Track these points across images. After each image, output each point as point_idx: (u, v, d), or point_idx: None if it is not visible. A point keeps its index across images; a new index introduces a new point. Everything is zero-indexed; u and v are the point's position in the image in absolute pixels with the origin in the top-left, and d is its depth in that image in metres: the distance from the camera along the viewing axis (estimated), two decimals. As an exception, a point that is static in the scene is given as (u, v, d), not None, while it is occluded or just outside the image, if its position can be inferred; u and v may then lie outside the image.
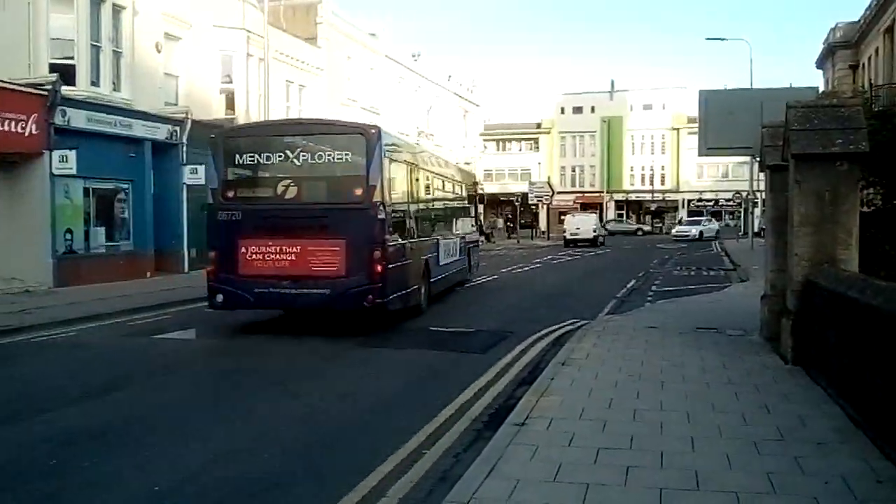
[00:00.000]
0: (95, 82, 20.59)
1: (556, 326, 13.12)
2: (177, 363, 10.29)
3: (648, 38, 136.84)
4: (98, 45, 20.54)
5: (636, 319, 13.53)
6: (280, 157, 12.77)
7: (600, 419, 6.67)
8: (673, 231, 58.31)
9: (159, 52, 23.31)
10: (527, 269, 28.16)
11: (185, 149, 23.56)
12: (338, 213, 12.19)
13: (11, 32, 18.50)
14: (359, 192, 12.24)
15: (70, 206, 20.12)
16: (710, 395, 7.58)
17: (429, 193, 16.76)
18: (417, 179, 15.52)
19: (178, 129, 23.22)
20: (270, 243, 12.22)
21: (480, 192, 26.97)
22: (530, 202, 60.51)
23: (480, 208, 27.36)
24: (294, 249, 12.18)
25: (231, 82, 27.12)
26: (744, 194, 45.61)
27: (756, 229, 40.03)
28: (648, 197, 77.37)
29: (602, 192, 76.35)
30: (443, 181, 18.71)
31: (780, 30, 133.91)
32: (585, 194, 78.22)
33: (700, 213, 74.65)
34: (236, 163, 13.03)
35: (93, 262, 20.58)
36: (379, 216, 12.17)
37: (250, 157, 12.91)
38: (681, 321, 12.85)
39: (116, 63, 21.41)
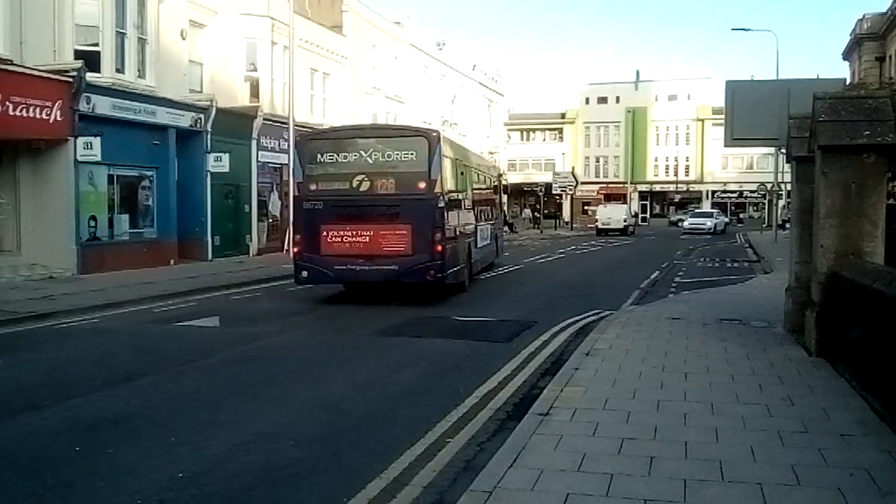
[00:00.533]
0: (120, 69, 20.72)
1: (580, 317, 13.12)
2: (201, 350, 10.39)
3: (674, 28, 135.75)
4: (123, 31, 20.66)
5: (660, 310, 13.49)
6: (355, 156, 14.98)
7: (624, 410, 6.68)
8: (685, 223, 51.79)
9: (184, 39, 23.46)
10: (550, 259, 28.11)
11: (209, 136, 23.74)
12: (405, 203, 14.51)
13: (37, 19, 18.67)
14: (422, 185, 14.56)
15: (94, 193, 20.33)
16: (733, 386, 7.56)
17: (471, 185, 18.97)
18: (462, 174, 17.80)
19: (202, 116, 23.37)
20: (348, 228, 14.60)
21: (504, 183, 29.14)
22: (554, 192, 60.44)
23: (504, 198, 30.42)
24: (367, 233, 14.52)
25: (256, 70, 27.24)
26: (768, 186, 45.23)
27: (780, 221, 39.69)
28: (672, 188, 76.85)
29: (626, 182, 75.82)
30: (478, 174, 20.86)
31: (806, 21, 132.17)
32: (609, 185, 77.79)
33: (713, 205, 74.01)
34: (318, 161, 15.18)
35: (116, 249, 20.80)
36: (439, 205, 14.60)
37: (329, 156, 15.12)
38: (704, 312, 12.80)
39: (141, 50, 21.54)
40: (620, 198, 73.35)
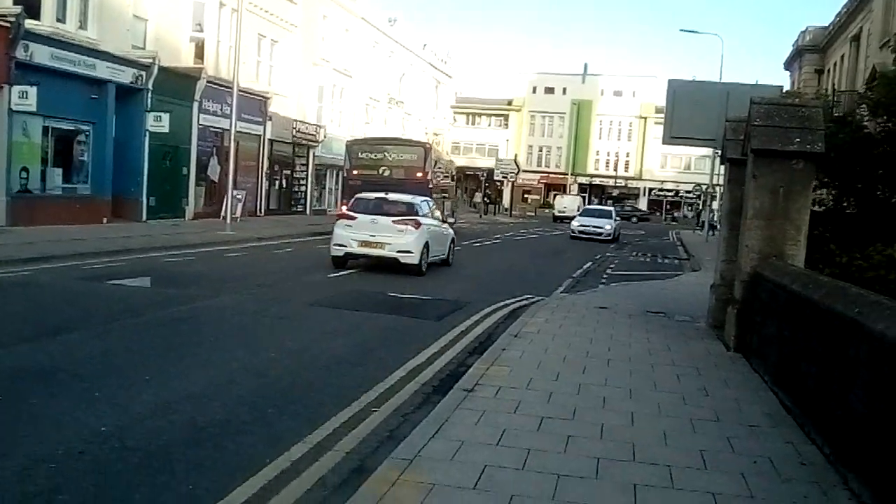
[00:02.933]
0: (61, 18, 20.10)
1: (512, 300, 13.35)
2: (130, 310, 10.23)
3: (624, 24, 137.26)
4: (67, -21, 19.95)
5: (589, 299, 13.82)
6: (381, 155, 26.13)
7: (546, 390, 6.88)
8: (573, 224, 35.87)
9: (130, -7, 22.80)
10: (487, 244, 28.36)
11: (150, 95, 23.18)
12: (409, 182, 23.74)
13: (-25, -39, 17.98)
14: (419, 174, 25.58)
15: (27, 143, 19.71)
16: (653, 375, 7.85)
17: (441, 176, 30.63)
18: (438, 167, 29.46)
19: (143, 73, 22.80)
20: None
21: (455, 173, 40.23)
22: (496, 178, 60.86)
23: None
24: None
25: (202, 31, 26.70)
26: (703, 187, 46.36)
27: (712, 221, 40.72)
28: (612, 182, 78.09)
29: (567, 174, 76.80)
30: (446, 167, 32.98)
31: (753, 28, 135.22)
32: (550, 175, 78.65)
33: (650, 203, 75.03)
34: (358, 157, 26.25)
35: (48, 203, 20.27)
36: (429, 186, 25.41)
37: (365, 154, 26.29)
38: (632, 304, 13.16)
39: (84, 0, 20.88)
40: (561, 189, 74.29)
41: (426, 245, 16.52)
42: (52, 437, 5.30)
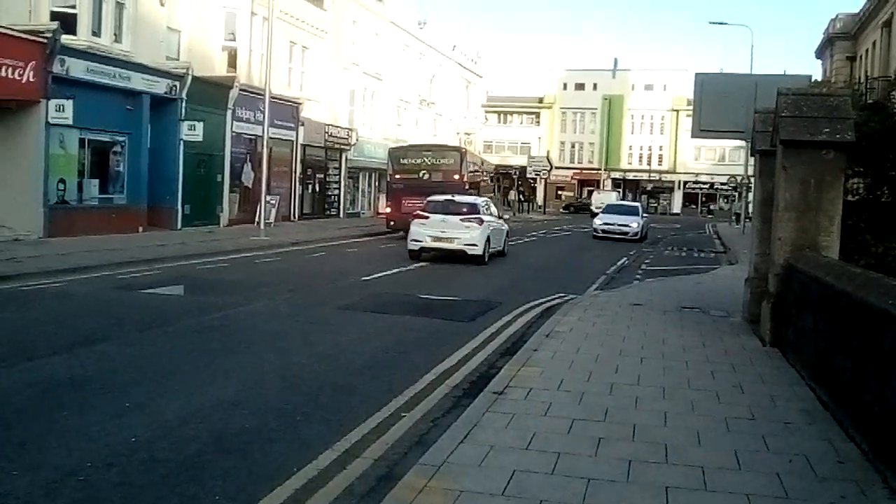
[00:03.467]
0: (96, 32, 20.48)
1: (544, 299, 13.27)
2: (164, 318, 10.36)
3: (653, 18, 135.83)
4: (102, -6, 20.32)
5: (623, 296, 13.68)
6: (421, 160, 27.41)
7: (578, 391, 6.82)
8: (596, 223, 32.58)
9: (163, 5, 23.20)
10: (522, 241, 28.25)
11: (184, 104, 23.50)
12: (447, 184, 25.15)
13: (12, -22, 18.37)
14: (456, 176, 26.92)
15: (64, 156, 20.08)
16: (687, 372, 7.73)
17: (481, 177, 35.03)
18: (476, 170, 32.50)
19: (177, 84, 23.14)
20: (416, 198, 23.36)
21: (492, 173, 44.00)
22: (528, 176, 60.66)
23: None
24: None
25: (234, 40, 27.01)
26: (738, 179, 45.69)
27: (749, 214, 40.15)
28: (646, 177, 77.31)
29: (600, 169, 76.18)
30: (485, 170, 35.34)
31: (783, 17, 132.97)
32: (583, 171, 78.09)
33: (685, 197, 74.07)
34: (400, 162, 27.63)
35: (84, 213, 20.63)
36: (465, 186, 27.09)
37: (407, 159, 27.78)
38: (666, 300, 13.01)
39: (119, 14, 21.28)
40: (595, 184, 73.76)
41: (488, 239, 19.44)
42: (81, 449, 5.35)
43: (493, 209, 22.15)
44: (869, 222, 9.61)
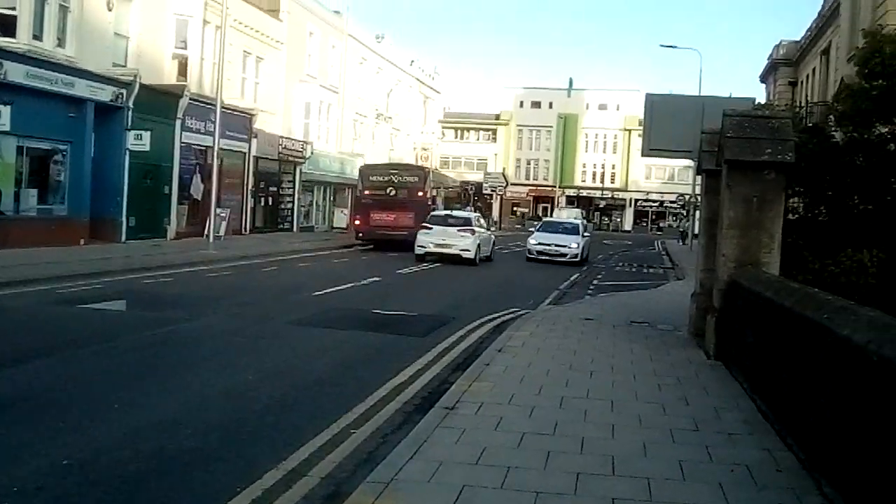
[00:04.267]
0: (38, 36, 19.78)
1: (497, 314, 13.33)
2: (104, 334, 10.05)
3: (607, 40, 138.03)
4: (44, -3, 19.80)
5: (574, 311, 13.84)
6: (388, 178, 29.49)
7: (528, 405, 6.85)
8: (530, 242, 28.27)
9: (110, 10, 22.59)
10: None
11: (130, 113, 22.92)
12: (412, 201, 28.14)
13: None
14: (420, 193, 28.97)
15: (0, 164, 19.39)
16: (634, 385, 7.85)
17: (443, 192, 34.86)
18: (439, 187, 33.71)
19: (124, 91, 22.55)
20: (383, 213, 28.32)
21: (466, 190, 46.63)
22: (484, 192, 61.11)
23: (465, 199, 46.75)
24: (393, 216, 28.09)
25: (185, 48, 26.52)
26: (686, 197, 46.63)
27: (696, 231, 40.98)
28: (598, 194, 78.39)
29: (554, 186, 77.00)
30: (446, 186, 36.07)
31: (730, 43, 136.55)
32: (539, 187, 78.83)
33: (636, 214, 75.62)
34: (369, 179, 29.77)
35: (22, 225, 19.86)
36: (428, 203, 29.04)
37: (374, 176, 29.94)
38: (616, 314, 13.19)
39: (62, 17, 20.64)
40: (549, 201, 74.61)
41: (478, 246, 24.42)
42: (7, 472, 5.08)
43: (483, 222, 28.41)
44: (807, 240, 9.97)
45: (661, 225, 75.06)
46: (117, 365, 8.52)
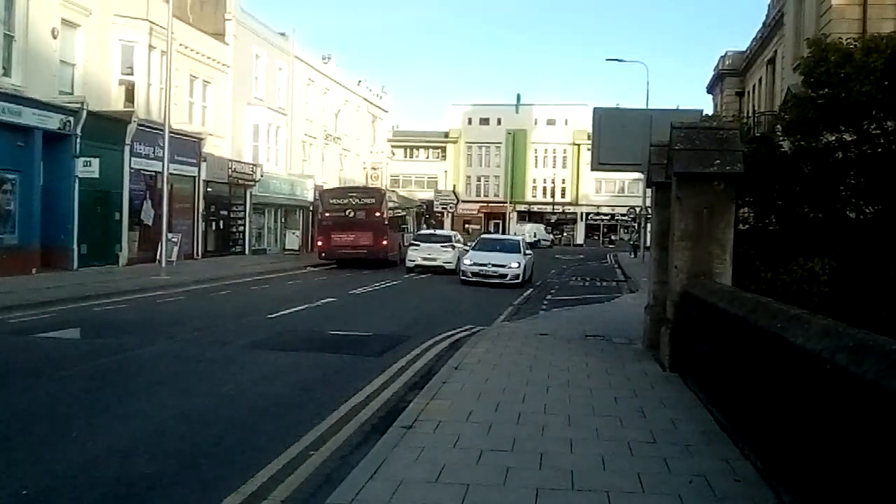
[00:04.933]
0: (-17, 66, 19.60)
1: (453, 332, 13.33)
2: (57, 363, 9.86)
3: (554, 55, 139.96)
4: (-11, 27, 19.58)
5: (529, 326, 13.91)
6: (347, 200, 31.34)
7: (486, 422, 6.87)
8: (464, 262, 25.10)
9: (55, 38, 22.31)
10: (428, 275, 28.34)
11: (79, 140, 22.57)
12: (369, 221, 30.31)
13: None
14: (377, 213, 30.69)
15: (-53, 195, 19.00)
16: (591, 399, 7.91)
17: (400, 213, 35.41)
18: (396, 207, 34.61)
19: (72, 119, 22.25)
20: (343, 234, 30.20)
21: (420, 209, 46.38)
22: (436, 210, 61.28)
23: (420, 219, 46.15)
24: (353, 236, 30.06)
25: (132, 74, 26.23)
26: (637, 210, 47.28)
27: (648, 244, 41.50)
28: (549, 209, 79.12)
29: (506, 202, 77.58)
30: (406, 206, 38.73)
31: (676, 55, 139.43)
32: (490, 204, 79.34)
33: (588, 228, 76.92)
34: (329, 202, 31.57)
35: (-28, 255, 19.52)
36: (385, 223, 30.90)
37: (335, 200, 31.76)
38: (571, 329, 13.30)
39: (8, 47, 20.43)
40: (500, 217, 75.10)
41: (458, 259, 26.91)
42: None
43: (461, 238, 33.65)
44: (758, 249, 10.08)
45: (613, 238, 76.04)
46: (73, 393, 8.37)
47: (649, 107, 29.64)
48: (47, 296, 16.38)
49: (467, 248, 28.44)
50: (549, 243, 68.87)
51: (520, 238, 30.30)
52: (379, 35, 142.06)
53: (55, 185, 22.11)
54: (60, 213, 22.40)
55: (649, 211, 41.00)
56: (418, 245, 28.62)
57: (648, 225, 43.25)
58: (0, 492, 5.26)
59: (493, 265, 24.02)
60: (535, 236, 64.15)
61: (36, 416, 7.31)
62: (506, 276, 23.75)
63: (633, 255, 45.88)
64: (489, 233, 59.65)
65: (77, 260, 22.92)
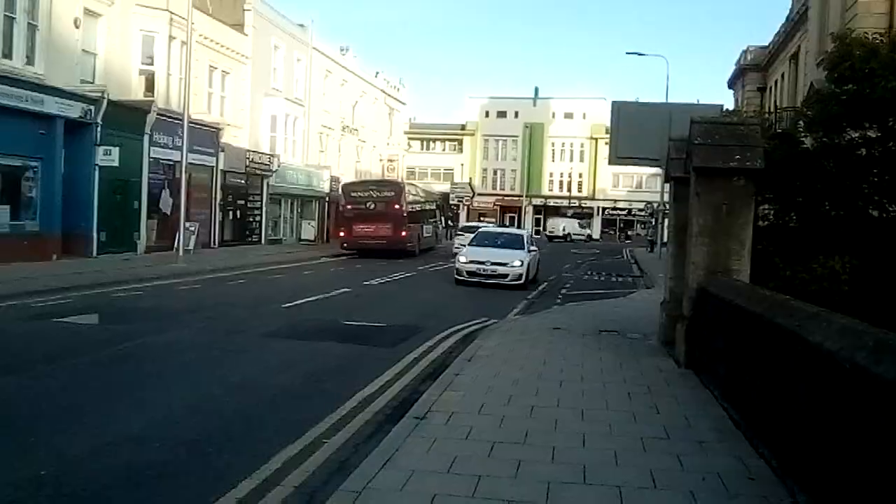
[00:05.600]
0: (7, 54, 19.82)
1: (466, 324, 13.33)
2: (74, 348, 9.95)
3: (573, 48, 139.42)
4: (13, 16, 19.85)
5: (543, 320, 13.88)
6: (367, 193, 33.03)
7: (498, 415, 6.86)
8: (460, 261, 21.92)
9: (78, 27, 22.53)
10: (444, 266, 28.33)
11: (99, 129, 22.78)
12: (389, 213, 31.78)
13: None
14: (396, 206, 32.04)
15: (-29, 181, 19.21)
16: (605, 394, 7.88)
17: (419, 205, 36.60)
18: (416, 200, 36.24)
19: (93, 108, 22.46)
20: (364, 225, 31.89)
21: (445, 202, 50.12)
22: (451, 202, 61.27)
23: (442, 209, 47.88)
24: (372, 227, 31.65)
25: (152, 64, 26.39)
26: (654, 205, 47.07)
27: (664, 239, 41.23)
28: (566, 203, 78.85)
29: (521, 195, 77.39)
30: (425, 199, 39.31)
31: (697, 49, 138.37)
32: (505, 197, 79.18)
33: (604, 223, 76.81)
34: (350, 194, 33.11)
35: (-6, 241, 19.72)
36: (404, 214, 32.28)
37: (355, 192, 33.39)
38: (585, 323, 13.24)
39: (31, 36, 20.61)
40: (516, 211, 74.96)
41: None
42: None
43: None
44: (778, 247, 9.93)
45: (630, 233, 75.67)
46: (88, 379, 8.43)
47: (668, 101, 29.42)
48: (67, 281, 16.54)
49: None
50: (583, 238, 69.33)
51: (523, 232, 27.48)
52: (397, 27, 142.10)
53: (76, 173, 22.34)
54: (81, 200, 22.63)
55: (667, 206, 40.86)
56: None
57: (665, 220, 43.24)
58: (16, 475, 5.29)
59: (493, 263, 21.12)
60: (564, 230, 68.27)
61: (52, 401, 7.36)
62: (506, 276, 20.94)
63: (649, 251, 45.66)
64: (504, 225, 58.78)
65: (97, 247, 23.18)
